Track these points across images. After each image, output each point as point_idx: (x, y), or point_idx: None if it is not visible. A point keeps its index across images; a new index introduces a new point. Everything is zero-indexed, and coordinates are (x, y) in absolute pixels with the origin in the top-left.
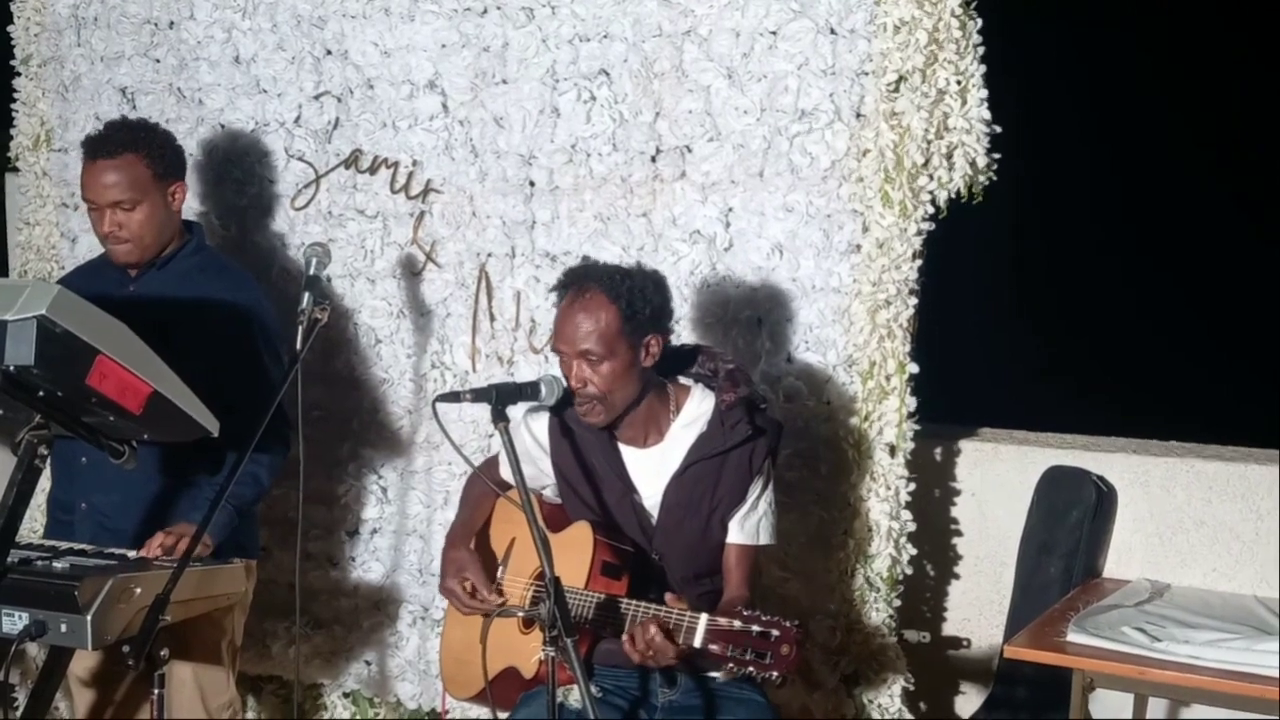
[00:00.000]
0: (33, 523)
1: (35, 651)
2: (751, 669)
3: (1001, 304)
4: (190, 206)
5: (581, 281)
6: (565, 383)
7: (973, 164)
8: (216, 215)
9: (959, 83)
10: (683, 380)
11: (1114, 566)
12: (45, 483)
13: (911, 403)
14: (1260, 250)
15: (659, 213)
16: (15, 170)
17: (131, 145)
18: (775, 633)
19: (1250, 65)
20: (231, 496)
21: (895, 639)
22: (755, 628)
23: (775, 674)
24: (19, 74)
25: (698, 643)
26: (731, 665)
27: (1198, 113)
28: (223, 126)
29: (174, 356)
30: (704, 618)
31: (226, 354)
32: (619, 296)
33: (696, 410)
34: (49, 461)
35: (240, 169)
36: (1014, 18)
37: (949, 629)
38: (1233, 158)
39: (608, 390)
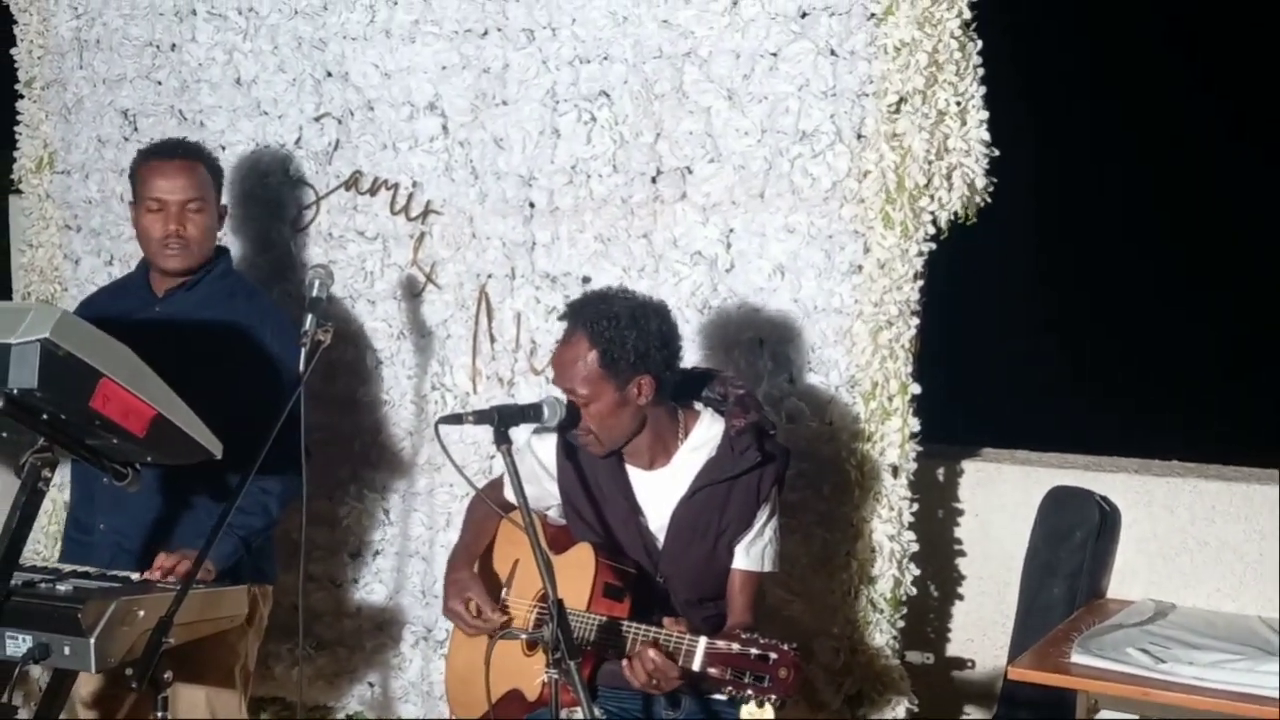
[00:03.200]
0: (36, 544)
1: (39, 674)
2: (750, 692)
3: (1004, 325)
4: None
5: (572, 321)
6: (576, 413)
7: (970, 185)
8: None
9: (959, 104)
10: (693, 404)
11: (1118, 587)
12: (49, 504)
13: (914, 423)
14: (1263, 269)
15: (660, 234)
16: (18, 192)
17: (197, 154)
18: (774, 655)
19: (1268, 67)
20: (239, 526)
21: (899, 660)
22: (754, 650)
23: (774, 697)
24: (22, 96)
25: (696, 666)
26: (731, 689)
27: (1198, 138)
28: (224, 148)
29: (195, 379)
30: (703, 640)
31: (247, 379)
32: (598, 341)
33: (705, 435)
34: (70, 483)
35: (240, 190)
36: (1025, 34)
37: (953, 650)
38: (1232, 176)
39: (597, 427)
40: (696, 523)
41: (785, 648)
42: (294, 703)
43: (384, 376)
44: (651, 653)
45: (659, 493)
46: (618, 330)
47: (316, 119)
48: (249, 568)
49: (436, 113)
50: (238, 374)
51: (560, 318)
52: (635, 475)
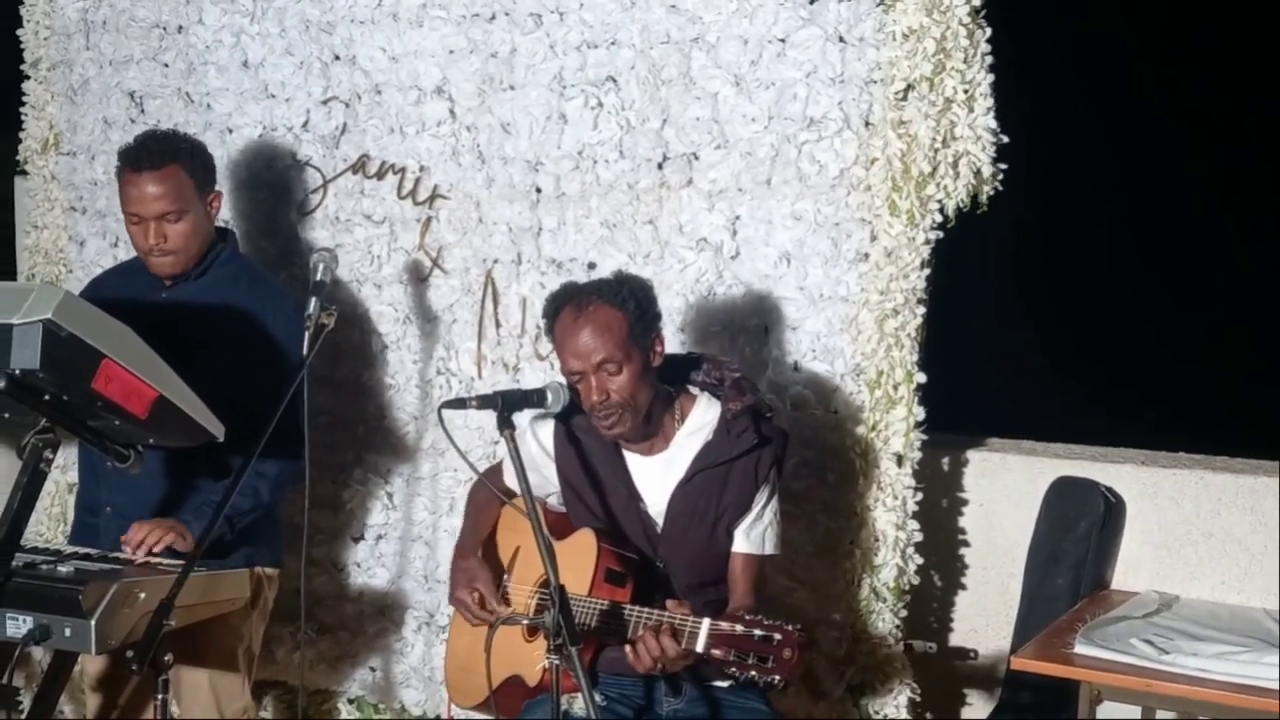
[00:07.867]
0: (38, 526)
1: (41, 655)
2: (754, 673)
3: (1010, 314)
4: None
5: (578, 298)
6: (577, 399)
7: (978, 173)
8: (224, 220)
9: (966, 91)
10: (689, 388)
11: (1122, 578)
12: (51, 485)
13: (919, 412)
14: (1270, 261)
15: (666, 220)
16: (24, 174)
17: (173, 156)
18: (777, 636)
19: (1258, 75)
20: (227, 506)
21: (902, 649)
22: (757, 631)
23: (778, 678)
24: (28, 77)
25: (700, 647)
26: (734, 670)
27: (1207, 123)
28: (230, 131)
29: (203, 364)
30: (706, 622)
31: (254, 363)
32: (624, 302)
33: (702, 418)
34: (77, 463)
35: (247, 173)
36: (1020, 26)
37: (956, 639)
38: (1241, 168)
39: (631, 396)
40: (695, 507)
41: (789, 628)
42: (295, 686)
43: (389, 360)
44: (652, 637)
45: (657, 478)
46: (628, 291)
47: (324, 102)
48: (265, 550)
49: (444, 97)
50: (241, 357)
51: (547, 313)
52: (633, 461)
